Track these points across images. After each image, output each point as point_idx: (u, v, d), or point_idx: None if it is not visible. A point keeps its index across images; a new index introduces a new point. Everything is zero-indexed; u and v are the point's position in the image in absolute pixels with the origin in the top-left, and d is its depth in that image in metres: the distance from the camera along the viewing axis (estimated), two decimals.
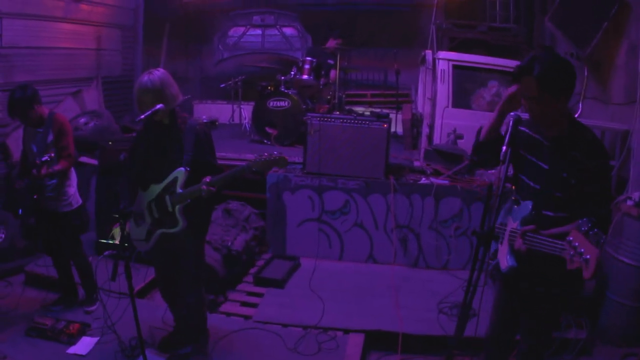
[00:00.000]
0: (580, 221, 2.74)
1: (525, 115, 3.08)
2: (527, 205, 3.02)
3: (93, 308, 5.20)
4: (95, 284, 5.18)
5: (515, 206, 3.17)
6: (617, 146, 6.09)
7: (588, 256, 2.44)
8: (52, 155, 4.72)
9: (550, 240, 2.75)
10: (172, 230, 3.96)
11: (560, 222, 2.92)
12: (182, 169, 3.88)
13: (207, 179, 3.79)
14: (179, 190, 3.88)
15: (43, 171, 4.64)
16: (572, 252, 2.54)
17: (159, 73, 3.89)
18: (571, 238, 2.56)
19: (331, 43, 9.22)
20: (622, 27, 6.36)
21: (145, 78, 3.83)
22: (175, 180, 3.90)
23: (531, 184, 3.09)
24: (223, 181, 3.83)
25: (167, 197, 3.93)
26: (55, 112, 4.97)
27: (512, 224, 3.08)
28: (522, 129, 3.14)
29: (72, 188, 5.09)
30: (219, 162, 4.19)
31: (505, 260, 3.06)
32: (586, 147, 2.88)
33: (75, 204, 5.11)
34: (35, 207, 4.88)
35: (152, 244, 4.10)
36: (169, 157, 3.96)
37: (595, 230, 2.54)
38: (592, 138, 2.95)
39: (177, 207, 3.91)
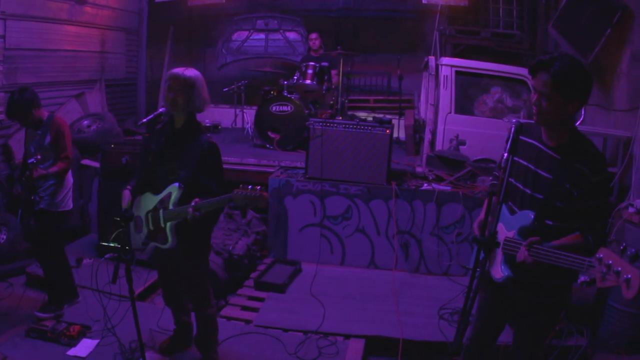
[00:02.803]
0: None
1: (526, 122, 3.06)
2: (529, 215, 2.94)
3: (43, 315, 4.95)
4: (61, 298, 5.11)
5: (510, 214, 3.09)
6: (619, 153, 6.09)
7: (629, 275, 2.37)
8: (39, 157, 4.70)
9: (566, 254, 2.65)
10: (163, 247, 3.82)
11: (560, 231, 2.89)
12: (176, 184, 3.74)
13: (194, 202, 3.61)
14: (171, 206, 3.73)
15: (35, 173, 4.64)
16: (604, 270, 2.45)
17: (196, 71, 3.90)
18: (602, 255, 2.47)
19: (313, 43, 9.28)
20: (625, 34, 6.36)
21: (180, 68, 3.84)
22: (169, 195, 3.75)
23: (528, 191, 3.02)
24: (209, 207, 3.63)
25: (161, 212, 3.78)
26: (55, 115, 4.97)
27: (507, 233, 3.02)
28: (522, 137, 3.07)
29: (64, 191, 5.01)
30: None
31: (499, 269, 3.01)
32: (591, 161, 2.84)
33: (63, 207, 5.02)
34: (34, 209, 4.88)
35: (149, 254, 4.02)
36: (167, 167, 3.83)
37: (634, 250, 2.48)
38: (596, 152, 2.92)
39: (168, 224, 3.75)
